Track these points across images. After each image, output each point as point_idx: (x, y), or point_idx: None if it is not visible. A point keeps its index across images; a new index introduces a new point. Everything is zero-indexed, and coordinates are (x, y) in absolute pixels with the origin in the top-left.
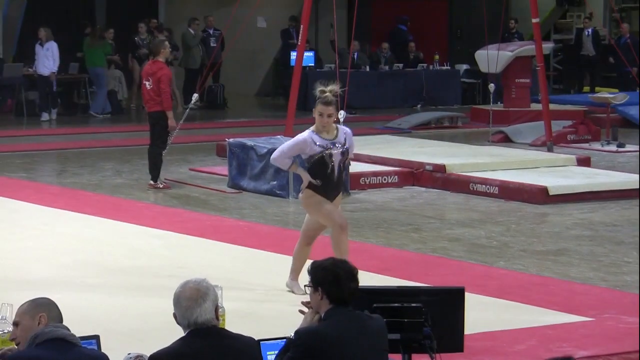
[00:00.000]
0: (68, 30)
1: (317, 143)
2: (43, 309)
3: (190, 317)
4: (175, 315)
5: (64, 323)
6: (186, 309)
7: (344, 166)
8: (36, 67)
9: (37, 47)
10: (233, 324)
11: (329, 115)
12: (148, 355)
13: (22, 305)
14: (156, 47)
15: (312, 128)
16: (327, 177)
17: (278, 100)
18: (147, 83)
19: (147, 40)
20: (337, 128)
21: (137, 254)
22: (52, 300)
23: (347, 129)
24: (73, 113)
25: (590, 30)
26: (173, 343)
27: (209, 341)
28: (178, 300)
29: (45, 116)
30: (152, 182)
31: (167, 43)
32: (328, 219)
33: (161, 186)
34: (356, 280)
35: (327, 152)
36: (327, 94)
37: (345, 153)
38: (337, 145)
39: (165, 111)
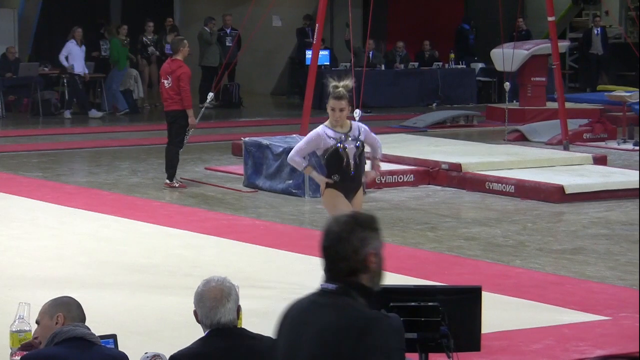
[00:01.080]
0: (83, 29)
1: (331, 136)
2: (61, 309)
3: (214, 317)
4: (196, 314)
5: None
6: (210, 309)
7: (360, 160)
8: (72, 65)
9: (73, 47)
10: (250, 323)
11: (341, 110)
12: (165, 354)
13: (44, 304)
14: (176, 45)
15: (325, 123)
16: (342, 171)
17: (293, 99)
18: (165, 82)
19: (155, 40)
20: (350, 123)
21: (153, 253)
22: (73, 300)
23: (364, 125)
24: (87, 113)
25: (599, 29)
26: (193, 343)
27: (230, 341)
28: (201, 299)
29: (67, 114)
30: (168, 181)
31: (186, 42)
32: None
33: (177, 185)
34: None
35: (340, 144)
36: (340, 88)
37: (360, 147)
38: (350, 138)
39: (186, 109)
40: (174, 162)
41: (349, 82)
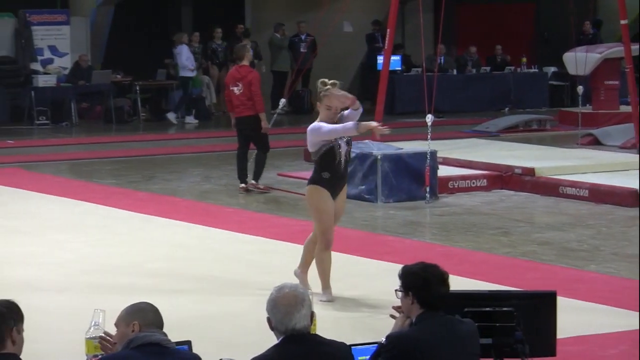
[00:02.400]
0: (155, 37)
1: None
2: (137, 316)
3: (289, 324)
4: (269, 320)
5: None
6: (284, 315)
7: (348, 157)
8: (179, 69)
9: (184, 50)
10: (323, 330)
11: (336, 108)
12: None
13: (121, 310)
14: (240, 51)
15: (319, 120)
16: (334, 169)
17: (365, 104)
18: (235, 88)
19: (224, 46)
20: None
21: (226, 259)
22: (149, 306)
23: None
24: (160, 119)
25: None
26: (268, 350)
27: (305, 348)
28: (275, 305)
29: (172, 116)
30: (253, 181)
31: (249, 47)
32: (322, 230)
33: (262, 187)
34: (446, 285)
35: (337, 142)
36: (329, 86)
37: (349, 143)
38: (344, 137)
39: (259, 113)
40: (262, 166)
41: (336, 81)
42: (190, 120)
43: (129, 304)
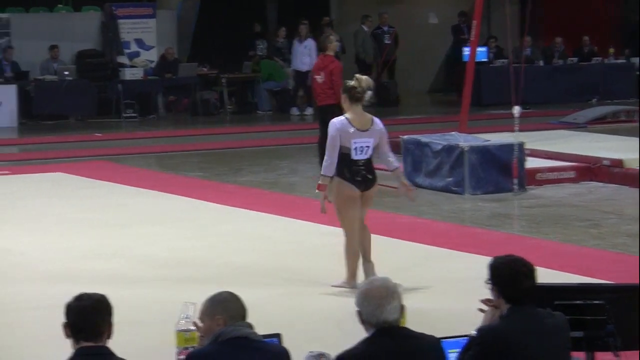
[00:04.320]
0: (241, 29)
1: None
2: (220, 309)
3: (380, 316)
4: (359, 313)
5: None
6: (376, 307)
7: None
8: (292, 63)
9: (296, 44)
10: (412, 322)
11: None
12: (330, 353)
13: (203, 302)
14: (323, 42)
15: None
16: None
17: (451, 96)
18: (318, 77)
19: (285, 44)
20: (372, 119)
21: (313, 252)
22: (231, 295)
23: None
24: (246, 112)
25: None
26: (359, 343)
27: (395, 341)
28: (366, 298)
29: (295, 111)
30: None
31: (332, 37)
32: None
33: None
34: (533, 279)
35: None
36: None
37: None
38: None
39: (340, 103)
40: None
41: (369, 79)
42: (310, 112)
43: (209, 296)
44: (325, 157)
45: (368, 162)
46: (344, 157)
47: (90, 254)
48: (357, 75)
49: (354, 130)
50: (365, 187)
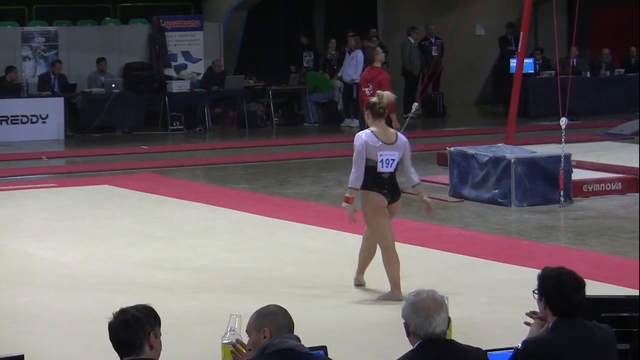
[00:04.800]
0: (287, 41)
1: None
2: (267, 321)
3: (429, 328)
4: (407, 325)
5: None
6: (424, 319)
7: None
8: (342, 74)
9: (347, 55)
10: (458, 334)
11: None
12: None
13: (251, 316)
14: (370, 54)
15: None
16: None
17: (498, 107)
18: (366, 89)
19: (336, 56)
20: (396, 133)
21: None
22: (278, 308)
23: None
24: (293, 124)
25: None
26: (404, 355)
27: (441, 353)
28: (414, 310)
29: (348, 122)
30: None
31: (379, 49)
32: (380, 235)
33: None
34: (582, 293)
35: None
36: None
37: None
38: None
39: (390, 114)
40: None
41: (390, 94)
42: (356, 124)
43: (258, 308)
44: (353, 170)
45: (393, 175)
46: (371, 170)
47: (138, 265)
48: (379, 92)
49: (380, 143)
50: (392, 199)
